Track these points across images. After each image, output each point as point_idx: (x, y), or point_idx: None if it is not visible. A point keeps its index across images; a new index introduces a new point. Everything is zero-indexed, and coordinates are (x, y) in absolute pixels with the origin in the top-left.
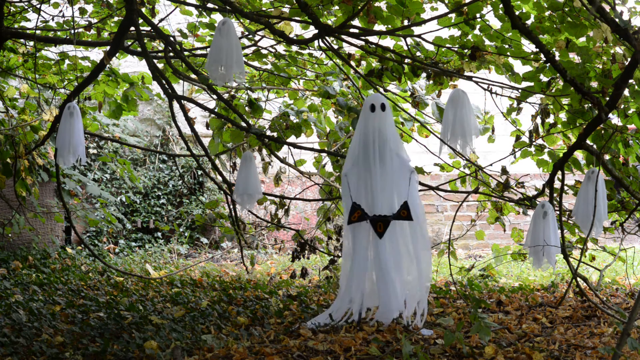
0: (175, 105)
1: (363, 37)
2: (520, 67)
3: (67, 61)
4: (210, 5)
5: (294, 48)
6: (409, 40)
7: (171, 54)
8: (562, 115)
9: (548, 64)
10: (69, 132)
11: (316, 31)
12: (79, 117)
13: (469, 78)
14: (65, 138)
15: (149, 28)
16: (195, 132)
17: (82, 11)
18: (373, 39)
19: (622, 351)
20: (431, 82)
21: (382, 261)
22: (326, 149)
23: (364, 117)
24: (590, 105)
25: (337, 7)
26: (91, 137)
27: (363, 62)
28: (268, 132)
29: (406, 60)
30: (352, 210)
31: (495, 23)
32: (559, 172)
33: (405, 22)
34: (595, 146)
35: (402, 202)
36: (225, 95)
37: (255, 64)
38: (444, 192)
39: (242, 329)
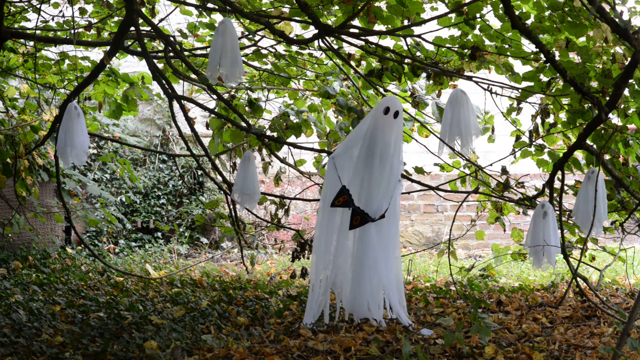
0: (175, 105)
1: (363, 37)
2: (520, 67)
3: (67, 61)
4: (210, 5)
5: (294, 48)
6: (409, 40)
7: (171, 54)
8: (562, 115)
9: (548, 64)
10: (80, 132)
11: (316, 31)
12: (83, 118)
13: (469, 78)
14: (76, 138)
15: (149, 28)
16: (195, 132)
17: (82, 11)
18: (373, 39)
19: (622, 351)
20: (431, 82)
21: (360, 254)
22: (326, 149)
23: (374, 116)
24: (590, 105)
25: (337, 7)
26: (91, 137)
27: (363, 62)
28: (268, 132)
29: (406, 60)
30: (339, 194)
31: (495, 23)
32: (559, 172)
33: (405, 22)
34: (595, 146)
35: (386, 208)
36: (225, 95)
37: (255, 64)
38: (444, 192)
39: (242, 329)
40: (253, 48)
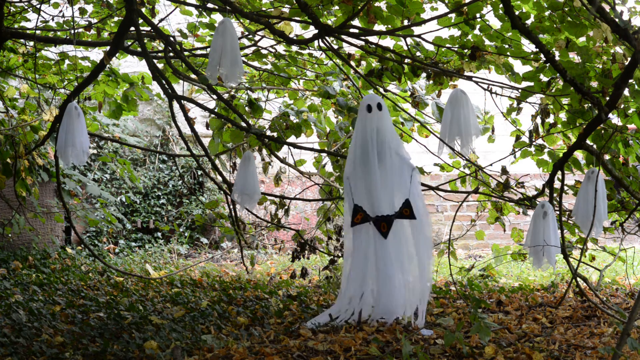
0: (175, 105)
1: (363, 37)
2: (520, 67)
3: (67, 61)
4: (210, 5)
5: (294, 48)
6: (409, 40)
7: (171, 54)
8: (562, 115)
9: (548, 64)
10: (80, 132)
11: (316, 31)
12: (83, 118)
13: (469, 78)
14: (76, 138)
15: (149, 28)
16: (195, 132)
17: (82, 11)
18: (373, 39)
19: (622, 351)
20: (431, 82)
21: (384, 261)
22: (326, 149)
23: (361, 118)
24: (590, 105)
25: (337, 7)
26: (91, 137)
27: (363, 62)
28: (268, 132)
29: (406, 60)
30: (355, 213)
31: (495, 23)
32: (559, 172)
33: (405, 22)
34: (595, 146)
35: (404, 200)
36: (225, 95)
37: (255, 64)
38: (444, 192)
39: (242, 329)
40: (253, 48)
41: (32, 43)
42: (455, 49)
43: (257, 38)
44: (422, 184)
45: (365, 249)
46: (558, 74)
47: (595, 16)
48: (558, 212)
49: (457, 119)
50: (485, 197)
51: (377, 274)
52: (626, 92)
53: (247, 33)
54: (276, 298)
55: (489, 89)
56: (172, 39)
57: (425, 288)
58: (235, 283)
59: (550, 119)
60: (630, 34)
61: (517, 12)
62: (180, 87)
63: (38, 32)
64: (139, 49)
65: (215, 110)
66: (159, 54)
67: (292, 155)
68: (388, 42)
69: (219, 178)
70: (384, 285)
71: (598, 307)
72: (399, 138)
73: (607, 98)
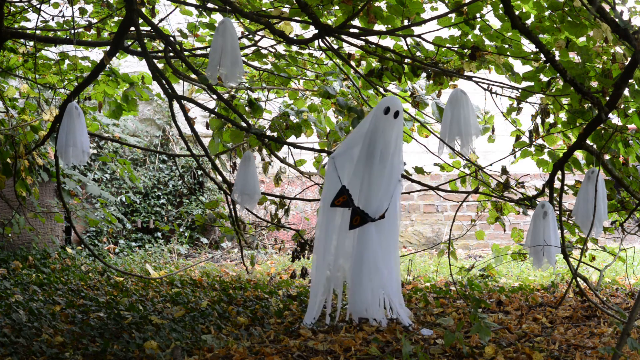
0: (175, 105)
1: (363, 37)
2: (520, 67)
3: (67, 61)
4: (210, 5)
5: (294, 48)
6: (409, 40)
7: (171, 54)
8: (562, 115)
9: (548, 64)
10: (81, 132)
11: (316, 31)
12: (83, 118)
13: (469, 78)
14: (77, 138)
15: (149, 28)
16: (195, 132)
17: (82, 11)
18: (373, 39)
19: (622, 351)
20: (431, 82)
21: (360, 254)
22: (326, 149)
23: (375, 116)
24: (590, 105)
25: (337, 7)
26: (91, 137)
27: (363, 62)
28: (268, 132)
29: (406, 60)
30: (339, 194)
31: (495, 23)
32: (559, 172)
33: (405, 22)
34: (595, 146)
35: (386, 208)
36: (225, 95)
37: (255, 64)
38: (444, 192)
39: (242, 329)
40: (253, 48)
41: (32, 43)
42: (455, 49)
43: (257, 38)
44: (422, 184)
45: (337, 234)
46: (558, 74)
47: (595, 16)
48: (558, 212)
49: (457, 119)
50: (485, 197)
51: (352, 267)
52: (626, 92)
53: (247, 33)
54: (276, 298)
55: (489, 89)
56: (172, 39)
57: (397, 284)
58: (235, 283)
59: (550, 119)
60: (630, 34)
61: (517, 12)
62: (180, 87)
63: (38, 32)
64: (139, 49)
65: (215, 110)
66: (159, 54)
67: (292, 155)
68: (388, 42)
69: (219, 178)
70: (357, 279)
71: (598, 307)
72: (402, 150)
73: (607, 98)
